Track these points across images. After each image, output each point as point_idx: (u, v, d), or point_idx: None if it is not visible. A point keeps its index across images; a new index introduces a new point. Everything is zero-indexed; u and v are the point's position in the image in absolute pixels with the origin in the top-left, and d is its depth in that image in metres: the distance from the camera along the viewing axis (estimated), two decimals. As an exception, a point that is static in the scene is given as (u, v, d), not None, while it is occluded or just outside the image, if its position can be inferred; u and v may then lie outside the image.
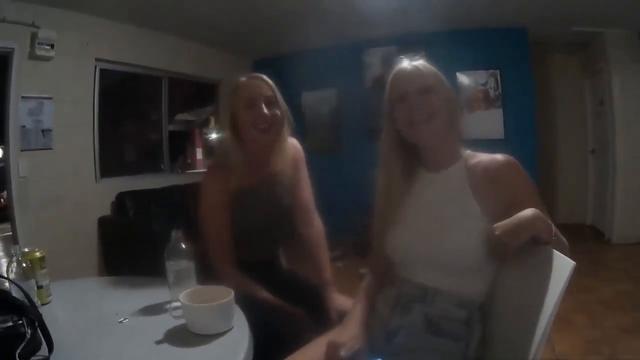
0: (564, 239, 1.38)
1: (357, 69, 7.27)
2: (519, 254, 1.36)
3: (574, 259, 1.25)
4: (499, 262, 1.50)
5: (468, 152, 1.63)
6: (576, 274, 1.25)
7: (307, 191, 2.36)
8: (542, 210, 1.38)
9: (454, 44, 6.32)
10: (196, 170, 6.99)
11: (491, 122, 6.58)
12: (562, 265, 1.26)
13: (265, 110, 2.05)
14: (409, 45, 6.61)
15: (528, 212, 1.34)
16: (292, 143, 2.30)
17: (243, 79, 2.17)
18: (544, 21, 6.16)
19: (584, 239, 6.63)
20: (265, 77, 2.16)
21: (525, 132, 6.45)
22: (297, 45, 6.73)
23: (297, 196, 2.30)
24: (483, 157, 1.59)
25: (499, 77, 6.57)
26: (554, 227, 1.34)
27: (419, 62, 1.63)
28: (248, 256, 2.15)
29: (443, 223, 1.53)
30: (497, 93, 6.61)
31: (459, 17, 5.65)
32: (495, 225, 1.33)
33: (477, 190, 1.52)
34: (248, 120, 2.06)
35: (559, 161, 7.93)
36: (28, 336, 1.20)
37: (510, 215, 1.37)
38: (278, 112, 2.10)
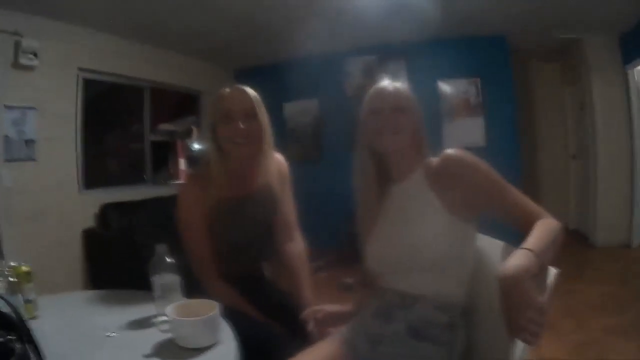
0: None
1: (339, 78, 7.28)
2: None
3: (558, 263, 1.31)
4: (469, 257, 1.59)
5: (429, 159, 1.70)
6: (561, 277, 1.30)
7: (289, 207, 2.36)
8: (510, 190, 1.50)
9: (435, 53, 6.38)
10: (179, 181, 6.97)
11: (473, 130, 6.64)
12: (545, 272, 1.30)
13: (242, 125, 2.04)
14: (390, 55, 6.68)
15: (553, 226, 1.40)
16: (277, 158, 2.30)
17: (225, 90, 2.15)
18: (524, 28, 6.24)
19: (568, 243, 6.58)
20: (247, 89, 2.14)
21: (507, 139, 6.50)
22: (279, 56, 6.75)
23: (279, 211, 2.29)
24: (435, 158, 1.67)
25: (479, 85, 6.62)
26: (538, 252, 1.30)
27: (398, 84, 1.73)
28: (230, 269, 2.13)
29: (406, 224, 1.63)
30: (478, 101, 6.66)
31: (439, 26, 5.70)
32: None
33: (434, 185, 1.61)
34: (225, 133, 2.06)
35: (541, 167, 8.01)
36: (18, 352, 1.19)
37: (474, 206, 1.54)
38: (257, 126, 2.10)
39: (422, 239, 1.55)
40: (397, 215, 1.70)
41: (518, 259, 1.24)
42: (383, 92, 1.71)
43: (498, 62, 6.58)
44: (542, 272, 1.30)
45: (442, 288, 1.56)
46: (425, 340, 1.50)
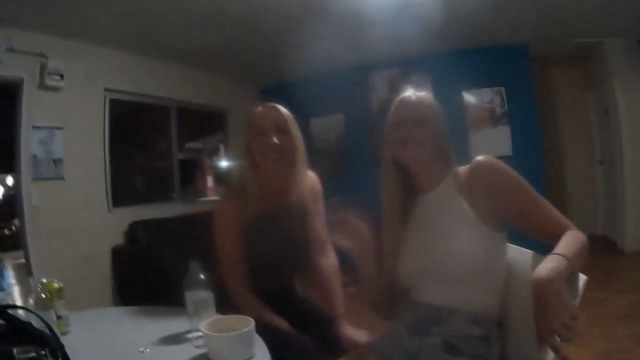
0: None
1: (364, 93, 7.30)
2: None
3: (586, 270, 1.29)
4: (501, 267, 1.56)
5: (457, 169, 1.70)
6: (589, 285, 1.30)
7: (321, 222, 2.35)
8: (539, 200, 1.49)
9: (458, 64, 6.35)
10: (207, 198, 7.00)
11: (499, 139, 6.58)
12: (575, 279, 1.29)
13: (275, 140, 2.07)
14: (413, 68, 6.67)
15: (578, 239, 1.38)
16: (311, 176, 2.32)
17: (258, 108, 2.19)
18: (545, 36, 6.22)
19: (596, 250, 6.46)
20: (280, 107, 2.18)
21: (532, 147, 6.45)
22: (304, 72, 6.78)
23: (311, 227, 2.30)
24: (465, 167, 1.68)
25: (504, 94, 6.58)
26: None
27: (421, 94, 1.74)
28: (262, 284, 2.14)
29: (438, 235, 1.61)
30: (503, 110, 6.62)
31: (460, 36, 5.69)
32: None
33: (465, 195, 1.60)
34: (258, 148, 2.09)
35: (568, 173, 7.93)
36: None
37: (504, 215, 1.53)
38: (289, 141, 2.13)
39: (456, 250, 1.53)
40: (428, 226, 1.67)
41: (551, 263, 1.24)
42: (405, 104, 1.72)
43: (520, 71, 6.55)
44: (572, 278, 1.30)
45: (477, 300, 1.54)
46: (460, 354, 1.47)
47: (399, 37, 5.54)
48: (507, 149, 6.52)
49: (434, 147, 1.67)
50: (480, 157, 1.59)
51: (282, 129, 2.12)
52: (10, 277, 1.73)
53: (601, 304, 4.42)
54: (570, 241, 1.36)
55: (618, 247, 6.67)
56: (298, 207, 2.24)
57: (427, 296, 1.62)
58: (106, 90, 5.44)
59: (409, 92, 1.75)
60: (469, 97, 6.73)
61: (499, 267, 1.56)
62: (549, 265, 1.23)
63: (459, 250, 1.52)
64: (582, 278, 1.31)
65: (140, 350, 1.60)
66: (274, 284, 2.23)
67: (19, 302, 1.58)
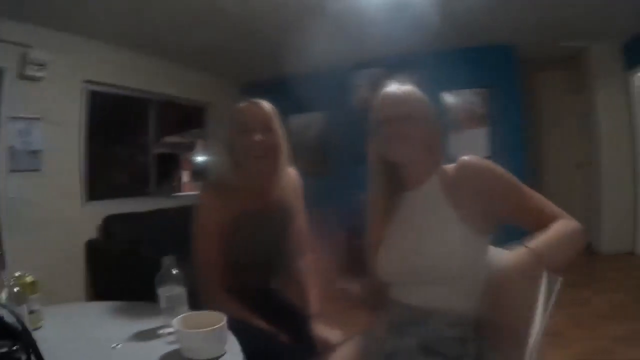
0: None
1: (345, 91, 7.29)
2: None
3: (564, 271, 1.29)
4: (481, 270, 1.53)
5: (444, 166, 1.67)
6: (568, 286, 1.29)
7: (302, 220, 2.35)
8: (529, 194, 1.51)
9: (442, 64, 6.36)
10: (183, 194, 6.97)
11: (480, 140, 6.60)
12: (550, 280, 1.28)
13: (259, 137, 2.04)
14: (397, 67, 6.66)
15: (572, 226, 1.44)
16: (292, 172, 2.31)
17: (241, 104, 2.16)
18: (531, 38, 6.24)
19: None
20: (264, 103, 2.15)
21: (515, 148, 6.45)
22: (285, 69, 6.76)
23: (292, 226, 2.28)
24: (450, 165, 1.65)
25: (486, 96, 6.61)
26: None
27: (406, 87, 1.71)
28: (241, 282, 2.11)
29: (420, 235, 1.58)
30: (486, 111, 6.65)
31: (446, 37, 5.70)
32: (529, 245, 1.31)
33: (450, 196, 1.57)
34: (242, 146, 2.06)
35: (547, 176, 7.96)
36: None
37: (495, 214, 1.50)
38: (273, 139, 2.10)
39: (438, 251, 1.51)
40: (411, 225, 1.65)
41: (513, 258, 1.26)
42: (390, 100, 1.69)
43: (505, 72, 6.57)
44: (554, 272, 1.30)
45: (455, 302, 1.53)
46: (436, 356, 1.47)
47: (385, 37, 5.55)
48: (485, 150, 6.54)
49: (424, 143, 1.64)
50: (466, 157, 1.57)
51: (266, 126, 2.09)
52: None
53: (582, 304, 4.49)
54: (554, 233, 1.37)
55: (595, 249, 6.74)
56: (281, 206, 2.22)
57: (405, 296, 1.62)
58: (86, 82, 5.39)
59: (393, 87, 1.73)
60: (451, 98, 6.75)
61: (479, 270, 1.54)
62: (509, 262, 1.25)
63: (439, 252, 1.50)
64: (557, 278, 1.30)
65: (113, 346, 1.58)
66: (254, 282, 2.21)
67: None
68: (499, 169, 1.52)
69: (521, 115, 6.72)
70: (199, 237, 2.08)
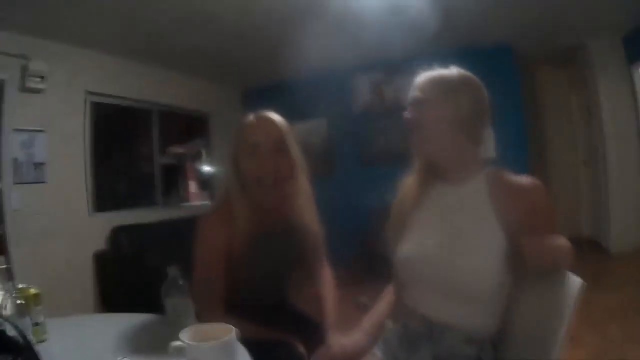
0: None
1: (346, 95, 7.31)
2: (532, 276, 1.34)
3: (574, 270, 1.28)
4: (506, 291, 1.43)
5: (490, 167, 1.56)
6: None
7: (318, 235, 2.16)
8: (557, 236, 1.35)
9: (443, 65, 6.34)
10: (190, 204, 6.96)
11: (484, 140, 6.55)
12: (572, 285, 1.27)
13: (270, 162, 1.86)
14: (396, 71, 6.66)
15: (563, 241, 1.32)
16: (307, 185, 2.09)
17: (249, 118, 1.97)
18: (529, 36, 6.23)
19: (582, 251, 6.54)
20: (274, 116, 1.96)
21: (517, 147, 6.42)
22: (286, 75, 6.75)
23: (308, 243, 2.12)
24: (508, 176, 1.50)
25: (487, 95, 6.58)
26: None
27: (434, 72, 1.61)
28: (256, 299, 2.00)
29: (458, 240, 1.45)
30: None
31: (446, 37, 5.69)
32: (526, 241, 1.27)
33: (499, 206, 1.43)
34: (250, 170, 1.89)
35: (552, 174, 7.92)
36: None
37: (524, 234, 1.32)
38: (287, 160, 1.92)
39: (474, 264, 1.38)
40: (445, 223, 1.51)
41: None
42: (414, 85, 1.59)
43: (505, 72, 6.50)
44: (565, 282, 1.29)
45: (478, 319, 1.44)
46: None
47: (384, 40, 5.52)
48: (491, 150, 6.48)
49: (449, 131, 1.49)
50: (529, 178, 1.44)
51: (278, 147, 1.90)
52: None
53: (592, 303, 4.42)
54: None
55: (604, 248, 6.69)
56: (294, 225, 2.04)
57: (421, 305, 1.52)
58: (88, 93, 5.38)
59: (429, 72, 1.61)
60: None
61: (506, 289, 1.43)
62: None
63: (476, 264, 1.38)
64: (579, 282, 1.27)
65: (118, 359, 1.55)
66: (269, 300, 2.11)
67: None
68: (552, 202, 1.45)
69: (523, 114, 6.70)
70: (200, 262, 1.93)
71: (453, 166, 1.55)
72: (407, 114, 1.54)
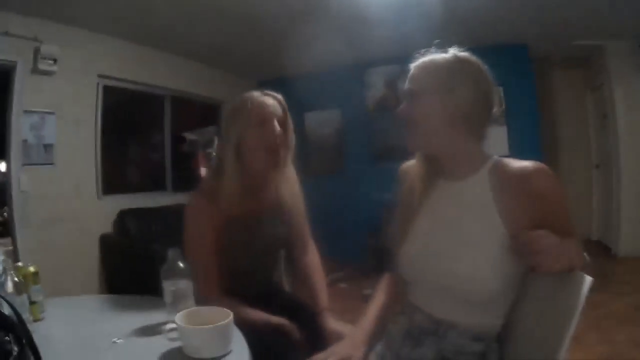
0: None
1: (360, 89, 7.30)
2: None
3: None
4: (514, 291, 1.38)
5: (494, 159, 1.46)
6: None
7: (303, 218, 2.24)
8: (570, 227, 1.31)
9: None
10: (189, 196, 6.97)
11: (495, 139, 6.51)
12: (581, 281, 1.23)
13: (278, 130, 1.94)
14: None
15: (572, 244, 1.25)
16: (291, 170, 2.15)
17: (255, 94, 2.03)
18: (546, 36, 6.20)
19: (591, 254, 6.45)
20: (278, 96, 2.05)
21: (530, 148, 6.39)
22: (302, 67, 6.73)
23: (293, 226, 2.20)
24: (510, 164, 1.40)
25: (502, 94, 6.53)
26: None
27: (433, 57, 1.55)
28: (243, 285, 2.02)
29: (459, 239, 1.38)
30: (501, 110, 6.54)
31: (460, 35, 5.64)
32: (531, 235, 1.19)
33: (500, 200, 1.35)
34: (257, 139, 1.93)
35: (563, 176, 7.76)
36: (15, 354, 1.13)
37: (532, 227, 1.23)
38: (288, 134, 2.02)
39: (478, 268, 1.31)
40: (447, 223, 1.45)
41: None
42: (409, 74, 1.53)
43: (520, 71, 6.51)
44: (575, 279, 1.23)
45: (485, 319, 1.39)
46: None
47: (399, 34, 5.49)
48: (504, 149, 6.45)
49: (444, 126, 1.40)
50: (530, 163, 1.34)
51: (283, 119, 2.01)
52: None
53: (599, 307, 4.40)
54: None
55: (612, 252, 6.64)
56: (279, 208, 2.11)
57: (425, 304, 1.48)
58: (100, 76, 5.38)
59: (423, 58, 1.54)
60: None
61: (513, 289, 1.37)
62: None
63: (480, 268, 1.31)
64: (588, 279, 1.23)
65: (113, 340, 1.53)
66: (257, 284, 2.15)
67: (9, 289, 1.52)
68: (560, 186, 1.34)
69: (537, 114, 6.70)
70: (190, 244, 1.97)
71: (453, 162, 1.48)
72: (400, 108, 1.48)
